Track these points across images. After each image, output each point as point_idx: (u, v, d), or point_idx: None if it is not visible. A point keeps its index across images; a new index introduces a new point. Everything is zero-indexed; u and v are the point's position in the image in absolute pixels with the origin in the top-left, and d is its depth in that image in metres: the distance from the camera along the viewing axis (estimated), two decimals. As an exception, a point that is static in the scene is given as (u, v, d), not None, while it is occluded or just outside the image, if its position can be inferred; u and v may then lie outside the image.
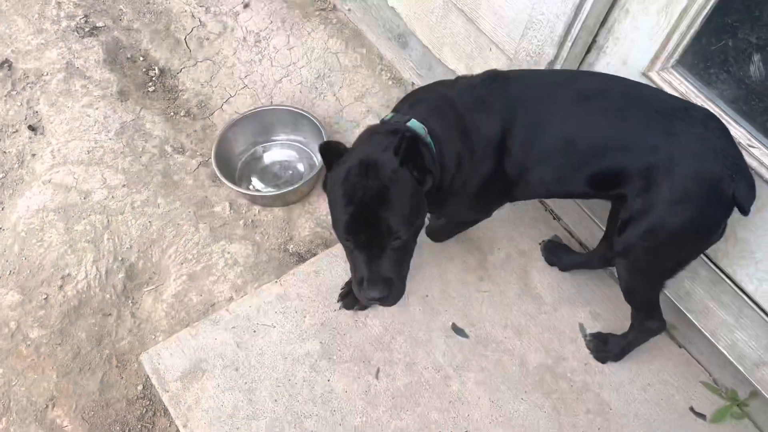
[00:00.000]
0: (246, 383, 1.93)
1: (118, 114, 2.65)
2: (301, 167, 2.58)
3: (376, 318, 2.10)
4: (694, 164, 1.49)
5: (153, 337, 2.12)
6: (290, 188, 2.36)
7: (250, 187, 2.52)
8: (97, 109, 2.66)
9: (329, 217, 2.44)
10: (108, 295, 2.19)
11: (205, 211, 2.42)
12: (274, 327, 2.04)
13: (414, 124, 1.59)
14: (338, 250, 2.24)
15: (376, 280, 1.52)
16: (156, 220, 2.37)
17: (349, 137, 2.65)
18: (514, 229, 2.31)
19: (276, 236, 2.40)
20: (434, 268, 2.21)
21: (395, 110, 1.71)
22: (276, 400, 1.91)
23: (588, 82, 1.64)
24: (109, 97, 2.69)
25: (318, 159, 2.47)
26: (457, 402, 1.96)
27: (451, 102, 1.64)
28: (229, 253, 2.32)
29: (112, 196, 2.42)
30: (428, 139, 1.59)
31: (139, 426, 1.97)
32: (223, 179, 2.37)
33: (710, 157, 1.49)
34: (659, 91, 1.67)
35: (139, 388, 2.03)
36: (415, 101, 1.70)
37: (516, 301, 2.16)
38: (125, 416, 1.98)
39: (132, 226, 2.35)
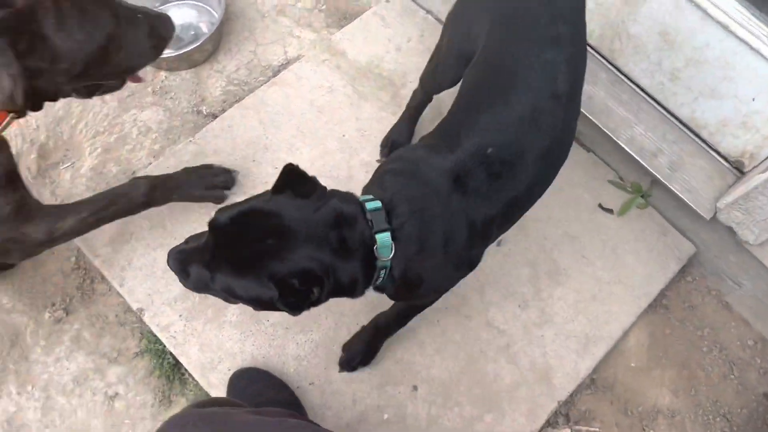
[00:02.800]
0: (174, 239, 1.98)
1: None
2: (203, 27, 2.49)
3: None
4: None
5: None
6: (193, 47, 2.29)
7: (153, 52, 2.43)
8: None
9: (239, 73, 2.41)
10: (24, 177, 2.15)
11: (109, 83, 2.35)
12: (195, 183, 2.07)
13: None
14: (250, 102, 2.23)
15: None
16: (59, 97, 2.30)
17: (248, -11, 2.55)
18: (423, 60, 2.32)
19: (187, 99, 2.36)
20: (348, 109, 2.23)
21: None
22: (207, 251, 1.98)
23: None
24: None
25: (218, 14, 2.38)
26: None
27: None
28: (141, 121, 2.28)
29: (8, 79, 2.31)
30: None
31: (80, 294, 2.02)
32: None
33: None
34: None
35: (72, 260, 2.06)
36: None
37: (429, 127, 2.21)
38: (64, 287, 2.03)
39: (35, 107, 2.27)
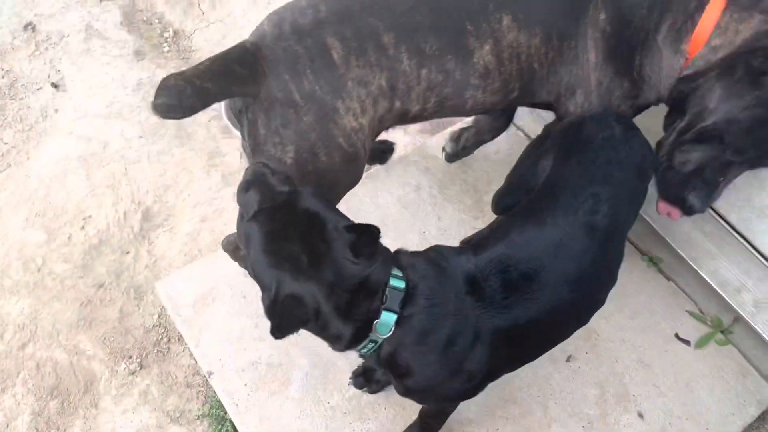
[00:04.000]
0: (253, 310, 2.07)
1: (134, 72, 2.80)
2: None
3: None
4: None
5: (167, 272, 2.26)
6: None
7: (259, 137, 2.64)
8: (115, 67, 2.81)
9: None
10: (126, 235, 2.34)
11: (217, 160, 2.56)
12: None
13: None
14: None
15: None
16: (171, 167, 2.52)
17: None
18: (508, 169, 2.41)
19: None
20: (432, 209, 2.33)
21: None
22: (281, 325, 2.05)
23: None
24: (126, 57, 2.84)
25: None
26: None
27: None
28: (238, 197, 2.45)
29: (130, 147, 2.57)
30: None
31: (155, 351, 2.12)
32: (233, 130, 2.50)
33: None
34: None
35: (155, 317, 2.18)
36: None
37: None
38: (143, 342, 2.14)
39: (148, 173, 2.50)
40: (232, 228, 2.36)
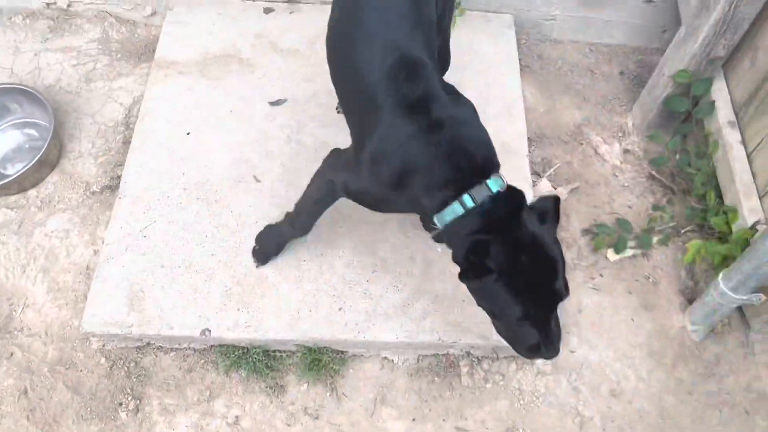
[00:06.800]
0: (178, 267, 2.02)
1: None
2: (33, 133, 2.45)
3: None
4: None
5: (70, 329, 2.05)
6: (41, 153, 2.25)
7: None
8: None
9: (96, 146, 2.42)
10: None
11: (-6, 227, 2.25)
12: (156, 222, 2.12)
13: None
14: (138, 143, 2.29)
15: (555, 342, 1.46)
16: (-39, 266, 2.16)
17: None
18: (240, 16, 2.55)
19: (75, 192, 2.33)
20: (216, 93, 2.39)
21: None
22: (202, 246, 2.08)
23: None
24: None
25: (47, 116, 2.34)
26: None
27: None
28: (53, 231, 2.23)
29: None
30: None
31: (134, 379, 1.98)
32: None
33: None
34: None
35: (102, 361, 2.00)
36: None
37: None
38: (116, 384, 1.97)
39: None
40: (80, 252, 2.15)
